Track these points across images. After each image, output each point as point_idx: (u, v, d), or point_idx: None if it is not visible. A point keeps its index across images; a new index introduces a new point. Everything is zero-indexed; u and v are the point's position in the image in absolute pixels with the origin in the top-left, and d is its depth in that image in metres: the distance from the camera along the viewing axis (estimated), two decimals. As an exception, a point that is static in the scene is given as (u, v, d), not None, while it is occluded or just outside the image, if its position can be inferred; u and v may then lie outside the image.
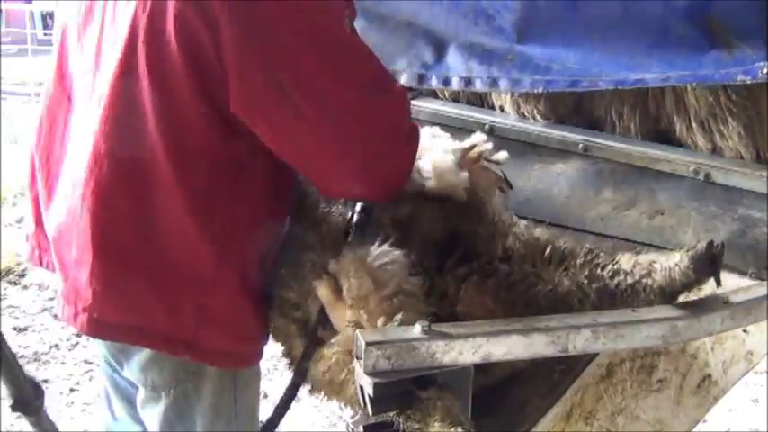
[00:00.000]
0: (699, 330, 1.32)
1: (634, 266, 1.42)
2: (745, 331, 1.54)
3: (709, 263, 1.37)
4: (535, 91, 1.91)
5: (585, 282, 1.42)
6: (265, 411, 1.68)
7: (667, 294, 1.40)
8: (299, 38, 1.35)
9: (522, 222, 1.62)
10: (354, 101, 1.41)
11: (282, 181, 1.53)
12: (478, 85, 2.03)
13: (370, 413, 1.21)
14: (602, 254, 1.48)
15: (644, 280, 1.40)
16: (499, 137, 2.17)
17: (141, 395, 1.62)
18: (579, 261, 1.44)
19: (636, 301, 1.40)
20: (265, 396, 3.50)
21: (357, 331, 1.22)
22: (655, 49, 1.66)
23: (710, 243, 1.38)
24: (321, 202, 1.57)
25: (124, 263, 1.45)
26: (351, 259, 1.37)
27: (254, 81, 1.35)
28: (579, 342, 1.27)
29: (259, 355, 1.59)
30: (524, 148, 2.13)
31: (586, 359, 1.53)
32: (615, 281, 1.41)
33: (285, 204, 1.55)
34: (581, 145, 2.01)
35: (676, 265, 1.38)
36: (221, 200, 1.44)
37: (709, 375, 1.59)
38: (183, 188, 1.41)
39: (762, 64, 1.45)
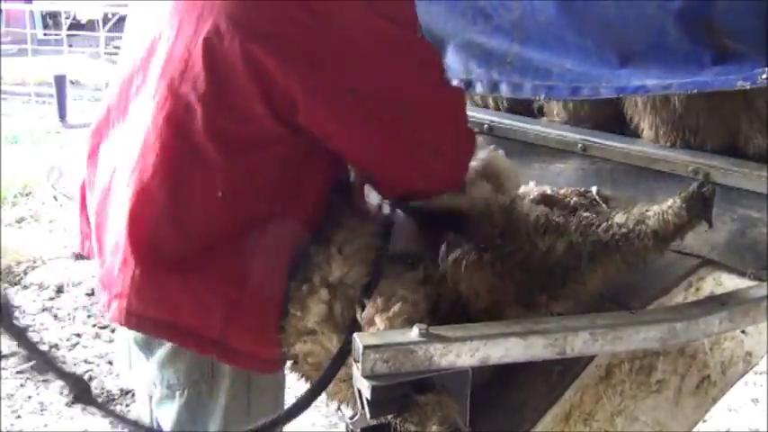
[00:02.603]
0: (697, 332, 1.32)
1: (627, 218, 1.43)
2: (743, 332, 1.53)
3: (701, 203, 1.38)
4: (537, 98, 1.91)
5: (580, 239, 1.42)
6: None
7: (660, 238, 1.40)
8: (373, 48, 1.42)
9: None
10: (424, 98, 1.49)
11: (317, 184, 1.55)
12: (479, 89, 2.03)
13: (368, 416, 1.21)
14: (595, 217, 1.48)
15: (637, 227, 1.40)
16: (498, 136, 2.18)
17: (157, 393, 1.63)
18: (573, 226, 1.44)
19: (630, 249, 1.40)
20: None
21: (354, 334, 1.22)
22: (652, 52, 1.66)
23: (701, 184, 1.39)
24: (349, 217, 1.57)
25: (156, 255, 1.46)
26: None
27: (326, 94, 1.40)
28: (577, 344, 1.26)
29: (281, 362, 1.58)
30: (523, 147, 2.13)
31: (585, 360, 1.53)
32: (609, 233, 1.41)
33: (317, 209, 1.55)
34: (580, 144, 2.01)
35: (669, 207, 1.39)
36: (260, 199, 1.46)
37: (708, 376, 1.59)
38: (227, 185, 1.43)
39: (760, 70, 1.45)
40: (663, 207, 1.40)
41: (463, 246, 1.44)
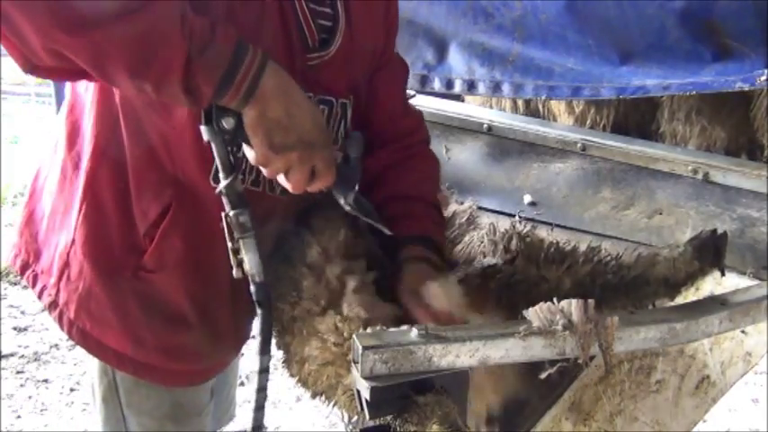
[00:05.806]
0: (697, 332, 1.31)
1: (637, 260, 1.41)
2: (743, 332, 1.53)
3: (712, 252, 1.37)
4: (539, 98, 1.91)
5: (588, 279, 1.40)
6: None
7: (671, 285, 1.39)
8: None
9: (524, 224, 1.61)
10: None
11: None
12: (481, 89, 2.04)
13: (368, 417, 1.21)
14: (603, 250, 1.47)
15: (647, 272, 1.39)
16: (498, 136, 2.17)
17: None
18: (581, 259, 1.43)
19: (639, 295, 1.39)
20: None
21: (354, 335, 1.21)
22: (653, 51, 1.67)
23: (713, 231, 1.38)
24: None
25: None
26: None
27: None
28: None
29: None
30: (523, 147, 2.13)
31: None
32: (618, 275, 1.40)
33: None
34: (579, 144, 2.01)
35: (680, 255, 1.38)
36: None
37: (708, 377, 1.58)
38: None
39: (759, 72, 1.45)
40: (673, 253, 1.39)
41: (467, 268, 1.43)
